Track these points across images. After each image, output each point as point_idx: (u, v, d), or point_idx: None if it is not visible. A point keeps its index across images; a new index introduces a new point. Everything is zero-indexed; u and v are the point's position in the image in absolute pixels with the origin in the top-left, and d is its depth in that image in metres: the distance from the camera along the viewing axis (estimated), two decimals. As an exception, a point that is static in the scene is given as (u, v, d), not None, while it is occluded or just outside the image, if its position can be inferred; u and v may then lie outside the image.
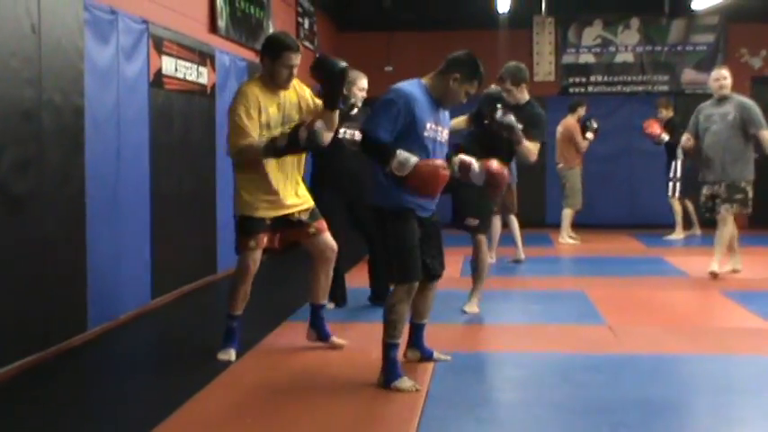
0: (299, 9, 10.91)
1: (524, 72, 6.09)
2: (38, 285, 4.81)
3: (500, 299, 6.61)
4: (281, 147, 4.54)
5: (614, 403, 4.04)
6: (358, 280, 6.86)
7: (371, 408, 4.02)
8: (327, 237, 4.98)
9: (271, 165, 4.72)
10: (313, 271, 5.05)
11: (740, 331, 5.73)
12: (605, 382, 4.40)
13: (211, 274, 7.65)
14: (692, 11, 11.98)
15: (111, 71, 5.74)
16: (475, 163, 4.58)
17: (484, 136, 5.81)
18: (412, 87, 4.26)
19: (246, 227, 4.79)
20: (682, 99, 11.92)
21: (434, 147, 4.28)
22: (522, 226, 8.89)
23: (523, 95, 6.03)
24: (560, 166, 10.51)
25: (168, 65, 6.68)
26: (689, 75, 12.83)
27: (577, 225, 11.06)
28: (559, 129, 10.43)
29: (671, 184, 10.84)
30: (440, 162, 4.22)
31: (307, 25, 11.21)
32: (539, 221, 11.96)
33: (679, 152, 10.43)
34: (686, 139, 7.76)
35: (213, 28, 7.86)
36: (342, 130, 5.90)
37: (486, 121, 5.76)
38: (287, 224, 4.88)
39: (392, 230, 4.24)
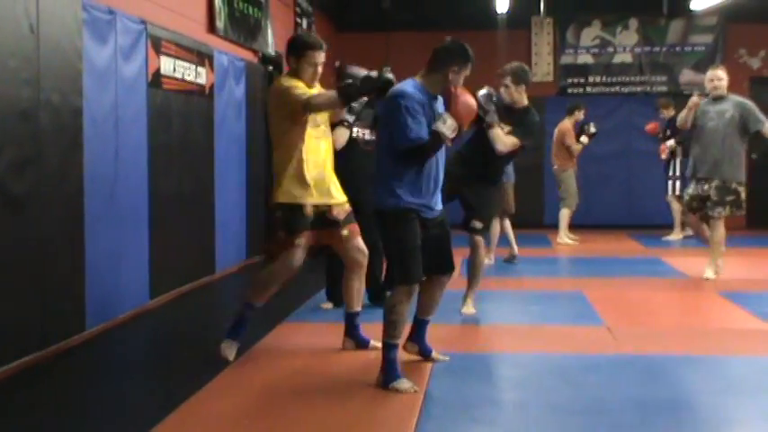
0: (298, 9, 10.91)
1: (527, 74, 6.08)
2: (36, 285, 4.81)
3: (498, 299, 6.61)
4: (352, 90, 4.53)
5: (612, 404, 4.05)
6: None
7: (369, 408, 4.02)
8: (359, 241, 4.95)
9: (307, 149, 4.73)
10: (346, 277, 5.02)
11: (738, 332, 5.73)
12: (603, 383, 4.41)
13: (210, 274, 7.65)
14: (691, 11, 11.98)
15: (110, 71, 5.74)
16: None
17: (482, 138, 5.85)
18: (411, 89, 4.27)
19: (291, 222, 4.74)
20: (680, 100, 11.89)
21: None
22: (519, 227, 8.89)
23: (522, 98, 6.00)
24: (555, 167, 10.63)
25: (167, 65, 6.68)
26: (687, 75, 12.83)
27: (575, 225, 11.07)
28: (555, 131, 10.51)
29: (670, 182, 10.85)
30: (468, 97, 4.31)
31: (305, 25, 11.20)
32: (536, 222, 11.97)
33: (678, 151, 10.44)
34: (683, 118, 7.63)
35: (211, 28, 7.86)
36: (355, 130, 5.93)
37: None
38: (323, 224, 4.83)
39: (393, 232, 4.26)
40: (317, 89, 4.85)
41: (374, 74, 4.45)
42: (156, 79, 6.49)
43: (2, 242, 4.50)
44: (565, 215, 10.55)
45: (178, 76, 6.90)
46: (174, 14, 6.97)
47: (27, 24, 4.71)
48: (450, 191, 5.88)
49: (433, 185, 4.35)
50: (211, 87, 7.66)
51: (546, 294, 7.06)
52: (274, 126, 4.86)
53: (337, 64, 6.07)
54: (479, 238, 6.01)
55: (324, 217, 4.83)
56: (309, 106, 4.65)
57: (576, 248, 10.23)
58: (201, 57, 7.41)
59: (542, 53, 12.96)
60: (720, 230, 7.46)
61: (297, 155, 4.73)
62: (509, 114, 5.80)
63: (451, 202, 5.95)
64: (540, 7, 12.52)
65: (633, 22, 12.94)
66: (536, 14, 12.74)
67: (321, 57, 4.77)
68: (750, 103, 7.50)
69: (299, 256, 4.76)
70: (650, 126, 11.01)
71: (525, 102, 6.02)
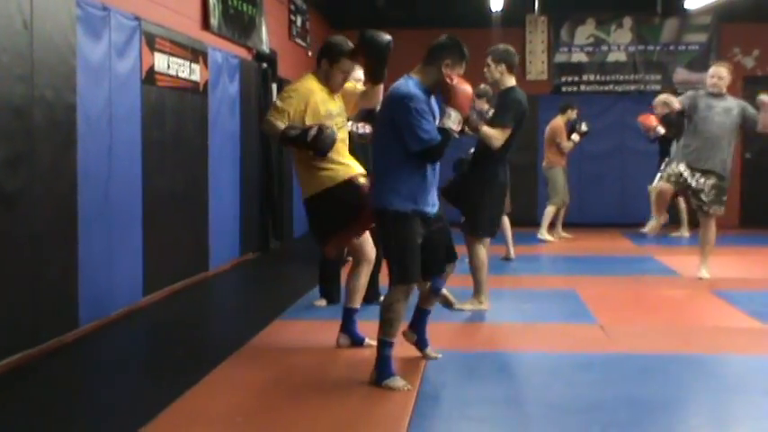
0: (292, 6, 10.90)
1: (509, 53, 6.07)
2: (29, 282, 4.80)
3: (492, 297, 6.59)
4: (290, 135, 4.68)
5: (605, 402, 4.05)
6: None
7: (362, 406, 4.02)
8: (369, 237, 5.00)
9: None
10: (355, 273, 5.03)
11: (730, 330, 5.75)
12: (596, 381, 4.41)
13: (203, 271, 7.64)
14: (685, 10, 12.00)
15: (104, 68, 5.72)
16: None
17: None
18: (411, 88, 4.27)
19: (346, 195, 4.80)
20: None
21: None
22: (513, 225, 8.91)
23: (504, 79, 6.02)
24: (544, 164, 10.69)
25: (161, 62, 6.66)
26: (681, 74, 12.86)
27: (569, 223, 11.09)
28: (547, 128, 10.56)
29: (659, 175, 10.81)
30: (465, 87, 4.34)
31: (299, 23, 11.20)
32: (530, 220, 11.97)
33: (673, 149, 10.43)
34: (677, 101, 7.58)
35: (206, 25, 7.84)
36: (349, 123, 5.94)
37: None
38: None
39: (394, 232, 4.27)
40: (336, 100, 4.96)
41: (313, 132, 4.60)
42: (150, 76, 6.48)
43: (-6, 239, 4.49)
44: (549, 212, 10.61)
45: (172, 72, 6.89)
46: (168, 11, 6.95)
47: (20, 20, 4.69)
48: (451, 195, 5.97)
49: (431, 183, 4.37)
50: (205, 84, 7.65)
51: (539, 292, 7.06)
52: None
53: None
54: (471, 238, 6.07)
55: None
56: (263, 127, 4.94)
57: (569, 247, 10.25)
58: (196, 54, 7.39)
59: (536, 51, 12.97)
60: (714, 228, 7.48)
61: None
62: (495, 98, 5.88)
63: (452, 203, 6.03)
64: (535, 5, 12.52)
65: (627, 21, 12.96)
66: (530, 13, 12.75)
67: (353, 65, 4.94)
68: (748, 105, 7.51)
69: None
70: (646, 120, 10.89)
71: (509, 83, 6.03)
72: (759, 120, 7.26)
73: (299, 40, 11.18)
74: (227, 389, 4.27)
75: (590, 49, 13.02)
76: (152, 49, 6.50)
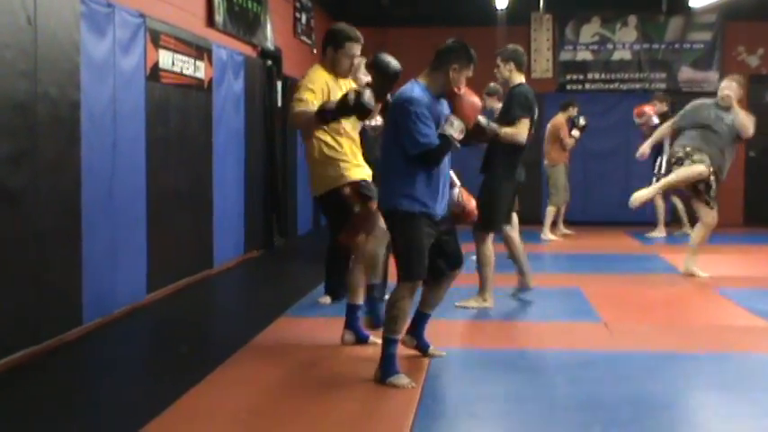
0: (297, 4, 10.90)
1: (517, 53, 6.22)
2: (32, 279, 4.80)
3: (495, 295, 6.59)
4: (330, 109, 4.62)
5: (608, 400, 4.05)
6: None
7: (366, 404, 4.02)
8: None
9: (344, 139, 4.90)
10: (354, 270, 5.04)
11: (734, 329, 5.74)
12: (599, 379, 4.41)
13: (207, 268, 7.64)
14: (690, 9, 11.97)
15: (108, 64, 5.72)
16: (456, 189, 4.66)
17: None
18: (418, 93, 4.30)
19: (346, 197, 4.85)
20: (679, 97, 11.90)
21: None
22: (519, 223, 8.88)
23: (513, 77, 6.16)
24: (545, 162, 10.68)
25: (165, 59, 6.66)
26: (686, 73, 12.84)
27: (573, 222, 11.08)
28: (548, 126, 10.55)
29: (654, 180, 10.82)
30: (472, 99, 4.39)
31: (304, 20, 11.20)
32: (534, 218, 11.95)
33: (666, 147, 10.38)
34: (668, 127, 7.72)
35: (210, 22, 7.84)
36: None
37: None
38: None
39: (402, 232, 4.32)
40: (348, 83, 4.98)
41: (351, 97, 4.51)
42: (155, 73, 6.48)
43: (-2, 235, 4.49)
44: (550, 212, 10.64)
45: (176, 70, 6.89)
46: (172, 8, 6.95)
47: (24, 16, 4.69)
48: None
49: (441, 185, 4.41)
50: (210, 82, 7.65)
51: (544, 291, 7.03)
52: None
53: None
54: (482, 234, 6.12)
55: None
56: (293, 123, 4.85)
57: (573, 245, 10.24)
58: (200, 51, 7.39)
59: (541, 49, 12.95)
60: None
61: (333, 145, 4.86)
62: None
63: None
64: (540, 3, 12.50)
65: (632, 19, 12.93)
66: (535, 11, 12.73)
67: (358, 49, 4.92)
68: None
69: (376, 219, 4.81)
70: (641, 108, 10.87)
71: (517, 81, 6.17)
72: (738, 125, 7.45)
73: (303, 38, 11.18)
74: (231, 386, 4.26)
75: (595, 47, 13.00)
76: (156, 46, 6.50)
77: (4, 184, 4.53)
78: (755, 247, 10.08)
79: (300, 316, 5.96)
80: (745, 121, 7.43)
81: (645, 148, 8.19)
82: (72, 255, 5.24)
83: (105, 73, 5.69)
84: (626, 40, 12.94)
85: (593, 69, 13.01)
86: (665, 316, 6.13)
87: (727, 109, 7.50)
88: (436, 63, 4.38)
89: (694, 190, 7.48)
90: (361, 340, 5.01)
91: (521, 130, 5.99)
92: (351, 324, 5.05)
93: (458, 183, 5.73)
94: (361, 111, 4.55)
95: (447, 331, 5.32)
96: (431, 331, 4.82)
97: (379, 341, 4.79)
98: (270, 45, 9.50)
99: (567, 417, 3.83)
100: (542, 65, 12.93)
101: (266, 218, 9.49)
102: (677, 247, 9.96)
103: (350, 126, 4.94)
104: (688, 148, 7.37)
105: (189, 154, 7.21)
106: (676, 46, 12.88)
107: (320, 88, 4.82)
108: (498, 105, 8.15)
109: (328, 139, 4.88)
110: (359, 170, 4.96)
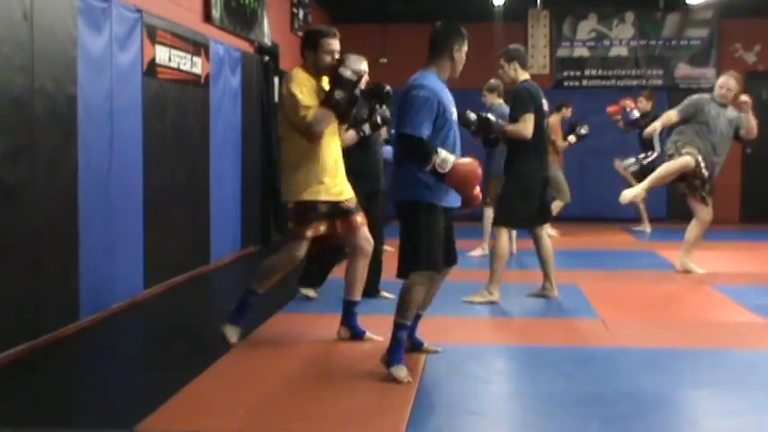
0: (294, 0, 10.89)
1: (519, 51, 6.32)
2: (29, 275, 4.79)
3: (493, 291, 6.61)
4: (331, 94, 4.67)
5: (606, 396, 4.05)
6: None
7: (363, 399, 4.02)
8: (366, 230, 5.03)
9: (322, 145, 4.82)
10: (351, 266, 5.04)
11: (731, 325, 5.74)
12: (597, 375, 4.41)
13: (204, 265, 7.64)
14: (687, 5, 11.99)
15: (105, 60, 5.71)
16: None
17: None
18: (431, 80, 4.35)
19: (304, 214, 4.83)
20: (675, 94, 11.92)
21: (455, 128, 4.43)
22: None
23: (518, 75, 6.22)
24: None
25: (162, 54, 6.65)
26: (683, 69, 12.85)
27: (570, 218, 11.07)
28: None
29: (634, 163, 10.78)
30: (475, 162, 4.33)
31: (301, 16, 11.18)
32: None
33: (656, 143, 10.34)
34: (676, 113, 7.65)
35: (207, 17, 7.83)
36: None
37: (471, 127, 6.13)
38: (339, 212, 4.89)
39: (425, 222, 4.32)
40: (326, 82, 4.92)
41: (348, 74, 4.57)
42: (152, 68, 6.46)
43: (-5, 231, 4.48)
44: (556, 207, 10.56)
45: (173, 65, 6.88)
46: (169, 3, 6.94)
47: (20, 11, 4.68)
48: None
49: None
50: (207, 77, 7.63)
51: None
52: (283, 122, 4.92)
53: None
54: (498, 229, 6.27)
55: (337, 206, 4.88)
56: (311, 129, 4.74)
57: (571, 241, 10.23)
58: (197, 46, 7.38)
59: (538, 46, 12.95)
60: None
61: (309, 151, 4.79)
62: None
63: None
64: (537, 0, 12.50)
65: (629, 16, 12.94)
66: (532, 7, 12.74)
67: (336, 44, 4.87)
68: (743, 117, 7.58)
69: (304, 247, 4.85)
70: (620, 103, 10.86)
71: (523, 78, 6.24)
72: (743, 124, 7.45)
73: (300, 34, 11.16)
74: (227, 381, 4.26)
75: (592, 43, 13.01)
76: (153, 41, 6.49)
77: (0, 179, 4.52)
78: (752, 244, 10.10)
79: (297, 312, 5.95)
80: (752, 123, 7.45)
81: (657, 125, 8.06)
82: (69, 250, 5.23)
83: (102, 68, 5.68)
84: (623, 36, 12.95)
85: (590, 66, 13.02)
86: (662, 312, 6.14)
87: (725, 106, 7.50)
88: (437, 50, 4.42)
89: (690, 186, 7.48)
90: (357, 336, 5.01)
91: (525, 126, 6.06)
92: (347, 320, 5.05)
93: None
94: (349, 83, 4.64)
95: (443, 327, 5.31)
96: (427, 326, 4.82)
97: (375, 338, 4.81)
98: (267, 41, 9.49)
99: (565, 413, 3.83)
100: (539, 61, 12.92)
101: (263, 214, 9.49)
102: (674, 244, 9.97)
103: (330, 129, 4.86)
104: (679, 144, 7.38)
105: (186, 149, 7.20)
106: (673, 42, 12.89)
107: (310, 89, 4.79)
108: (498, 101, 8.18)
109: (304, 143, 4.81)
110: (335, 183, 4.88)
